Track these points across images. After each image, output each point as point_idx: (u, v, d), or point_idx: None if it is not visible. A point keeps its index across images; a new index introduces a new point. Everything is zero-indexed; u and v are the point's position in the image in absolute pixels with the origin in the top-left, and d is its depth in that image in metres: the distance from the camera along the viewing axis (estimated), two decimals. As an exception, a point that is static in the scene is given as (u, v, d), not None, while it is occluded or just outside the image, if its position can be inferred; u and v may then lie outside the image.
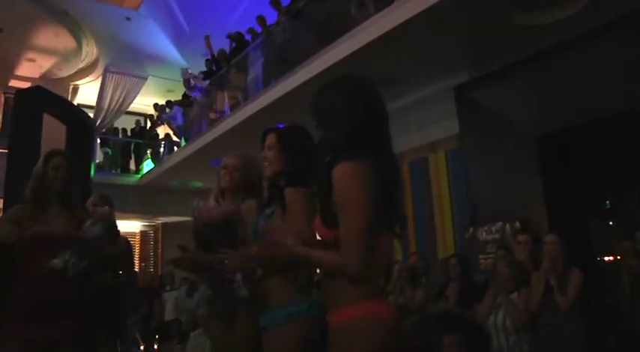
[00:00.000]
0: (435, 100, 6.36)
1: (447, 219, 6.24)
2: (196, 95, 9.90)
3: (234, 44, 9.18)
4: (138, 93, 12.13)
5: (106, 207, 2.89)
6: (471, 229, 5.70)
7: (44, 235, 2.45)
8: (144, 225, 12.51)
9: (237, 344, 2.20)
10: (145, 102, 12.67)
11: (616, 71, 4.79)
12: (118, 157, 11.88)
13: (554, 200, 5.27)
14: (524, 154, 5.53)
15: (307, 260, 1.67)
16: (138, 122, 12.44)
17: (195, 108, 9.98)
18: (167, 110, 11.54)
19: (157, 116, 12.04)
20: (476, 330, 3.87)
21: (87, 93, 12.60)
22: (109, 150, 11.82)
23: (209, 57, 9.78)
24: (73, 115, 7.03)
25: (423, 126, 6.57)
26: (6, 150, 6.04)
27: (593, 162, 5.27)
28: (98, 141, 11.38)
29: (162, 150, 11.75)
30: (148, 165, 11.64)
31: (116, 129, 12.31)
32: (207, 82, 9.62)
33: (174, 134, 11.25)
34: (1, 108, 11.78)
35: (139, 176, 11.59)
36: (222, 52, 9.45)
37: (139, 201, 10.69)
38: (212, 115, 9.33)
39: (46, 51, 11.30)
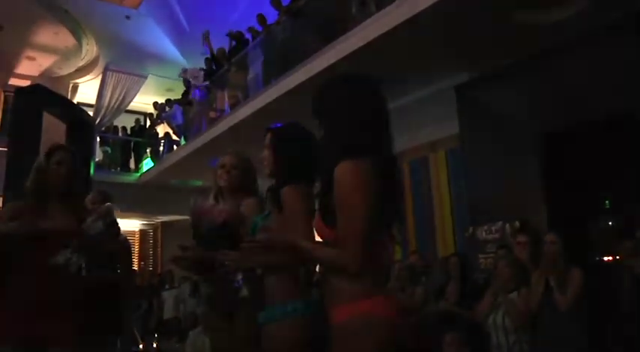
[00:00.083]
0: (435, 100, 6.35)
1: (447, 218, 6.25)
2: (196, 95, 9.88)
3: (233, 43, 9.17)
4: (138, 91, 12.16)
5: (108, 203, 2.88)
6: (471, 229, 5.70)
7: (45, 231, 2.43)
8: (143, 224, 12.52)
9: (237, 341, 2.21)
10: (144, 100, 12.68)
11: (616, 71, 4.78)
12: (118, 156, 11.87)
13: (554, 200, 5.27)
14: (524, 154, 5.53)
15: (310, 254, 1.65)
16: (137, 121, 12.44)
17: (194, 107, 9.97)
18: (167, 109, 11.53)
19: (157, 115, 12.03)
20: (477, 328, 3.87)
21: (87, 91, 12.61)
22: (109, 149, 11.82)
23: (209, 55, 9.77)
24: (73, 114, 7.00)
25: (423, 125, 6.56)
26: (5, 149, 6.03)
27: (593, 162, 5.26)
28: (98, 139, 11.35)
29: (161, 148, 11.76)
30: (147, 164, 11.63)
31: (116, 127, 12.33)
32: (205, 83, 9.61)
33: (173, 133, 11.24)
34: (1, 106, 11.78)
35: (139, 175, 11.59)
36: (221, 50, 9.43)
37: (138, 200, 10.66)
38: (212, 114, 9.33)
39: (46, 49, 11.31)
